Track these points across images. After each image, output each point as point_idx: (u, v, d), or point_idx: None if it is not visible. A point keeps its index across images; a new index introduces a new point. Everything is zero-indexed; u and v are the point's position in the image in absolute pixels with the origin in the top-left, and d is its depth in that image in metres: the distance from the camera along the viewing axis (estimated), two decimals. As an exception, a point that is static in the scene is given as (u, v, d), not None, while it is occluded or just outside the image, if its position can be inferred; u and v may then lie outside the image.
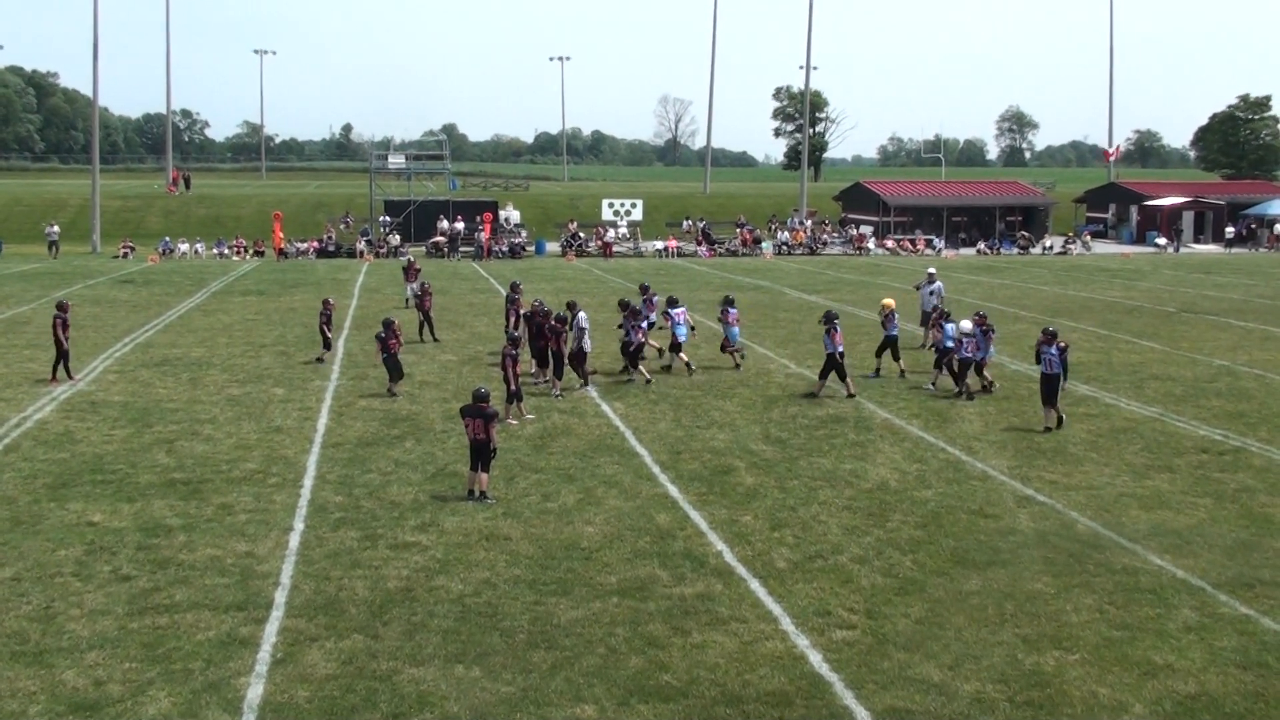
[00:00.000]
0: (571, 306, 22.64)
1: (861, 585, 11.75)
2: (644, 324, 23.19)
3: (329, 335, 25.47)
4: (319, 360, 24.90)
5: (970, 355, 21.25)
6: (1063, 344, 18.88)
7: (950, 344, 21.67)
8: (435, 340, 28.01)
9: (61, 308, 23.05)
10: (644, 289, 26.51)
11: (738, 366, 23.93)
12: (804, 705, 9.20)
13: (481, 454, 14.58)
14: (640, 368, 22.63)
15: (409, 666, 9.84)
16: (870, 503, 14.66)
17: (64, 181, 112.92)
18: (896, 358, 23.33)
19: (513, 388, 18.94)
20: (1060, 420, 18.69)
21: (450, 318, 31.51)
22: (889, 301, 24.05)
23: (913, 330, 29.30)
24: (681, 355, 23.63)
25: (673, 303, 24.30)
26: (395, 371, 21.48)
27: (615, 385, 22.32)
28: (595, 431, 18.53)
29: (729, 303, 24.69)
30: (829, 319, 21.15)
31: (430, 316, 28.39)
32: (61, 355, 22.60)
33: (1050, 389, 18.68)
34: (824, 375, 21.29)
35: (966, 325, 21.43)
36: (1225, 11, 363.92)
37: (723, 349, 24.49)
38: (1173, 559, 12.59)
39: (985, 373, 21.72)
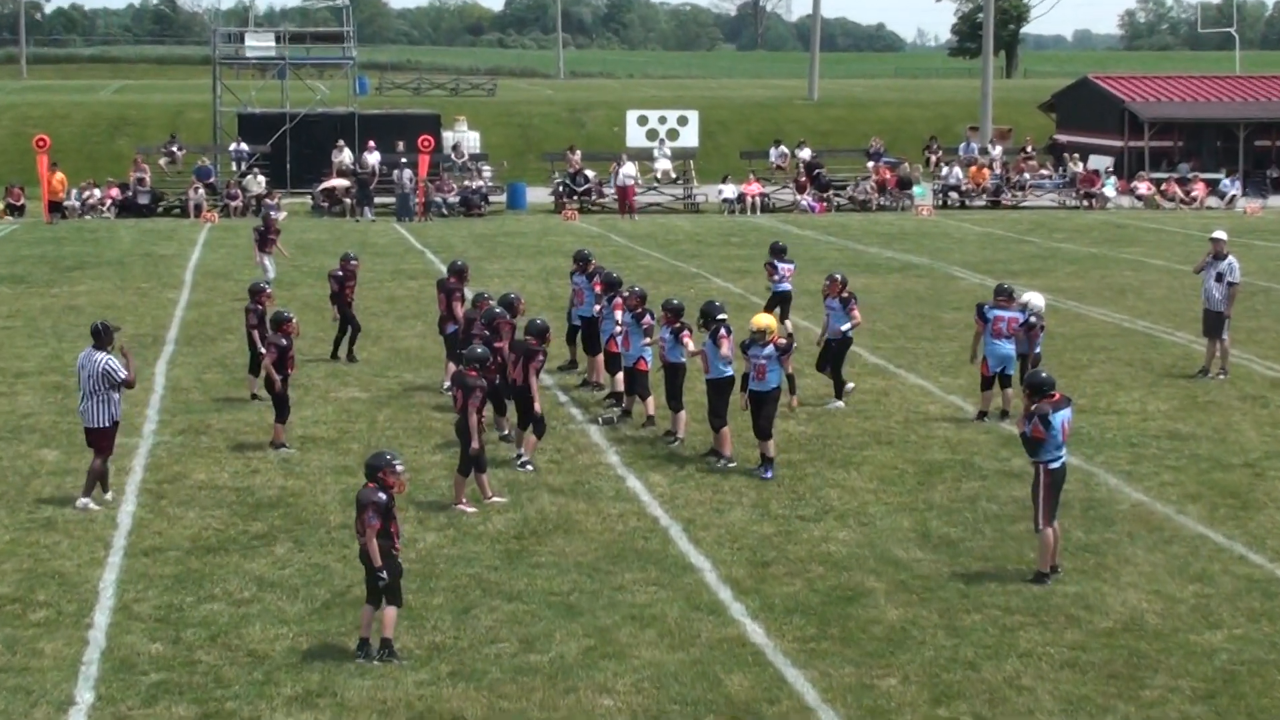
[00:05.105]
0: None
1: (1102, 806, 11.61)
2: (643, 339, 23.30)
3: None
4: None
5: (784, 287, 29.39)
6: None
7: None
8: (335, 358, 28.19)
9: None
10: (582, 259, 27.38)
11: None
12: None
13: (372, 572, 14.42)
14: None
15: None
16: (1112, 654, 14.57)
17: None
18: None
19: (474, 445, 18.87)
20: None
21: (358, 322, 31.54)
22: (767, 320, 22.00)
23: (1184, 342, 29.24)
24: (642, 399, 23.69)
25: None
26: (283, 409, 22.01)
27: (640, 441, 22.29)
28: (615, 525, 18.55)
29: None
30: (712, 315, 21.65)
31: (352, 316, 29.19)
32: None
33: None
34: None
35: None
36: None
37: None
38: None
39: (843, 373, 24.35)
